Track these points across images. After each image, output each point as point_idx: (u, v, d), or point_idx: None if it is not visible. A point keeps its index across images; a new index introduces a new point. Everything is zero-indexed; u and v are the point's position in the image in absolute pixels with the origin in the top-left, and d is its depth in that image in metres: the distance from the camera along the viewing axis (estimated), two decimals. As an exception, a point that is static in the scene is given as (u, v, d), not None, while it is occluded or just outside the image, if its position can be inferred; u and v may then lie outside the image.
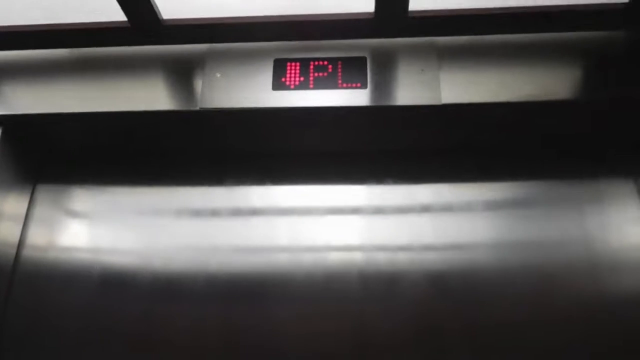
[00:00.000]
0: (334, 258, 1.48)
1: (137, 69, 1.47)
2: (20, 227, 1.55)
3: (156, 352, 1.43)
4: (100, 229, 1.58)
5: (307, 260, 1.48)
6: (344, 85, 1.39)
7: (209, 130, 1.50)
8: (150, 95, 1.44)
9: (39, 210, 1.58)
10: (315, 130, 1.50)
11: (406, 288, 1.42)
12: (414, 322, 1.39)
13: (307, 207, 1.55)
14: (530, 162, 1.54)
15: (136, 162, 1.62)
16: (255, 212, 1.56)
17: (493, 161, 1.55)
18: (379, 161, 1.56)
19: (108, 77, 1.46)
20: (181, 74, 1.48)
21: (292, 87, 1.41)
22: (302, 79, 1.41)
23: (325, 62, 1.42)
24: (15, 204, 1.54)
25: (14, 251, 1.52)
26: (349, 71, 1.41)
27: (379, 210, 1.52)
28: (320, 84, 1.40)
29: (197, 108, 1.40)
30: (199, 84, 1.43)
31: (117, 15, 1.38)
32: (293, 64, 1.43)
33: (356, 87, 1.39)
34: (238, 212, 1.56)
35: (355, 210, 1.54)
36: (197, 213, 1.57)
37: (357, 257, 1.48)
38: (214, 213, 1.56)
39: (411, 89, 1.37)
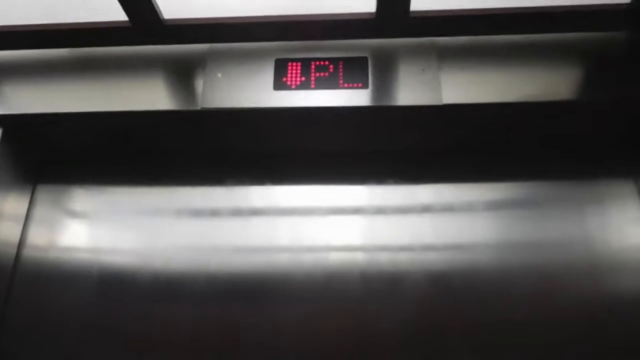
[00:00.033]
0: (335, 258, 1.48)
1: (138, 68, 1.47)
2: (21, 227, 1.55)
3: (156, 351, 1.42)
4: (100, 229, 1.57)
5: (308, 260, 1.48)
6: (345, 85, 1.39)
7: (209, 130, 1.50)
8: (151, 95, 1.44)
9: (39, 211, 1.58)
10: (316, 130, 1.50)
11: (407, 288, 1.42)
12: (415, 322, 1.39)
13: (307, 207, 1.55)
14: (530, 163, 1.54)
15: (136, 162, 1.62)
16: (255, 212, 1.56)
17: (494, 161, 1.55)
18: (380, 161, 1.56)
19: (109, 77, 1.46)
20: (182, 73, 1.48)
21: (293, 87, 1.41)
22: (303, 79, 1.41)
23: (327, 62, 1.43)
24: (15, 204, 1.54)
25: (14, 251, 1.52)
26: (350, 71, 1.41)
27: (379, 211, 1.53)
28: (321, 84, 1.40)
29: (198, 108, 1.40)
30: (200, 84, 1.43)
31: (118, 15, 1.37)
32: (294, 64, 1.43)
33: (357, 87, 1.39)
34: (238, 212, 1.56)
35: (356, 211, 1.54)
36: (198, 213, 1.57)
37: (358, 257, 1.47)
38: (215, 213, 1.56)
39: (412, 89, 1.37)
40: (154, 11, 1.36)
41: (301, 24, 1.42)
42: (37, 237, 1.55)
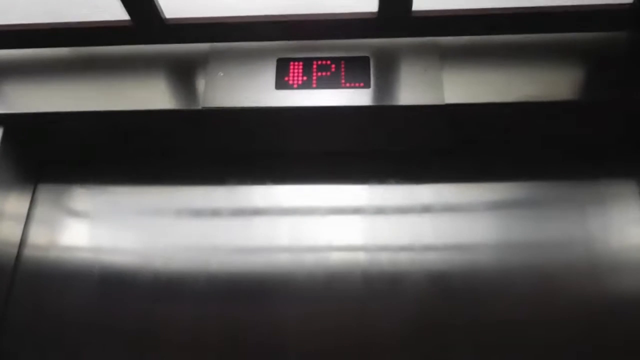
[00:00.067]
0: (336, 258, 1.48)
1: (139, 68, 1.47)
2: (22, 226, 1.54)
3: (157, 351, 1.42)
4: (101, 228, 1.57)
5: (309, 260, 1.48)
6: (347, 84, 1.39)
7: (211, 129, 1.50)
8: (152, 95, 1.43)
9: (40, 210, 1.58)
10: (317, 130, 1.49)
11: (408, 288, 1.42)
12: (416, 322, 1.39)
13: (308, 207, 1.55)
14: (532, 163, 1.54)
15: (138, 162, 1.61)
16: (256, 212, 1.55)
17: (495, 161, 1.55)
18: (381, 161, 1.56)
19: (110, 76, 1.46)
20: (184, 73, 1.48)
21: (295, 86, 1.40)
22: (305, 78, 1.41)
23: (328, 62, 1.42)
24: (16, 203, 1.53)
25: (15, 250, 1.51)
26: (352, 71, 1.41)
27: (380, 210, 1.52)
28: (323, 84, 1.40)
29: (200, 107, 1.40)
30: (201, 83, 1.43)
31: (120, 14, 1.37)
32: (296, 63, 1.43)
33: (359, 87, 1.39)
34: (239, 212, 1.56)
35: (357, 210, 1.53)
36: (199, 213, 1.56)
37: (359, 257, 1.47)
38: (216, 213, 1.56)
39: (414, 89, 1.37)
40: (155, 10, 1.36)
41: (303, 24, 1.41)
42: (38, 236, 1.55)
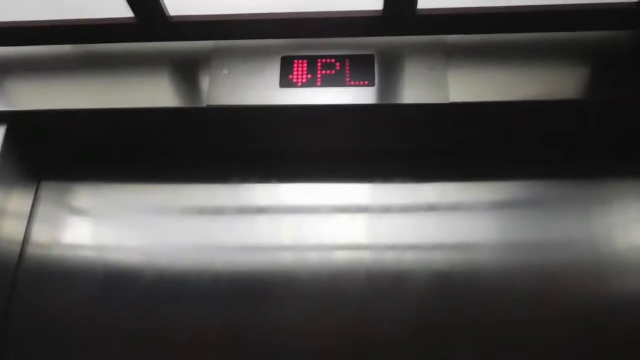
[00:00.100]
0: (340, 257, 1.47)
1: (143, 66, 1.46)
2: (25, 224, 1.54)
3: (160, 350, 1.42)
4: (104, 227, 1.57)
5: (313, 259, 1.47)
6: (352, 83, 1.39)
7: (215, 127, 1.50)
8: (156, 93, 1.43)
9: (44, 208, 1.57)
10: (322, 128, 1.49)
11: (413, 287, 1.42)
12: (421, 321, 1.39)
13: (313, 206, 1.55)
14: (537, 163, 1.53)
15: (142, 160, 1.61)
16: (261, 210, 1.55)
17: (500, 161, 1.54)
18: (386, 160, 1.56)
19: (114, 74, 1.46)
20: (188, 71, 1.47)
21: (299, 84, 1.40)
22: (309, 76, 1.40)
23: (333, 60, 1.42)
24: (19, 201, 1.53)
25: (18, 249, 1.51)
26: (357, 69, 1.40)
27: (385, 209, 1.52)
28: (328, 82, 1.39)
29: (204, 105, 1.40)
30: (205, 82, 1.42)
31: (124, 11, 1.37)
32: (301, 61, 1.42)
33: (364, 85, 1.38)
34: (244, 211, 1.55)
35: (361, 209, 1.53)
36: (203, 211, 1.56)
37: (363, 256, 1.47)
38: (220, 211, 1.55)
39: (419, 88, 1.37)
40: (159, 8, 1.35)
41: (308, 22, 1.40)
42: (41, 234, 1.54)
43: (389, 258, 1.46)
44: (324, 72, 1.41)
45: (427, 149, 1.55)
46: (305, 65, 1.42)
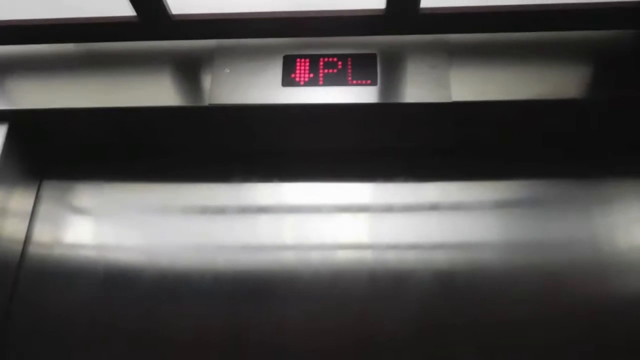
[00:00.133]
0: (342, 256, 1.47)
1: (145, 64, 1.46)
2: (26, 223, 1.54)
3: (161, 349, 1.41)
4: (106, 226, 1.56)
5: (315, 258, 1.47)
6: (354, 82, 1.39)
7: (217, 126, 1.49)
8: (158, 91, 1.43)
9: (45, 207, 1.57)
10: (324, 127, 1.49)
11: (415, 286, 1.41)
12: (423, 320, 1.39)
13: (314, 205, 1.54)
14: (539, 162, 1.53)
15: (143, 159, 1.61)
16: (262, 209, 1.55)
17: (502, 160, 1.54)
18: (388, 159, 1.55)
19: (116, 73, 1.45)
20: (190, 70, 1.47)
21: (301, 83, 1.40)
22: (311, 75, 1.40)
23: (335, 59, 1.42)
24: (21, 200, 1.53)
25: (20, 248, 1.51)
26: (359, 68, 1.40)
27: (387, 208, 1.52)
28: (330, 81, 1.39)
29: (206, 104, 1.40)
30: (207, 80, 1.42)
31: (126, 10, 1.37)
32: (303, 60, 1.42)
33: (366, 84, 1.38)
34: (245, 210, 1.55)
35: (363, 208, 1.53)
36: (204, 210, 1.56)
37: (365, 255, 1.47)
38: (221, 210, 1.55)
39: (421, 87, 1.37)
40: (162, 6, 1.35)
41: (310, 20, 1.41)
42: (43, 234, 1.54)
43: (391, 257, 1.46)
44: (326, 70, 1.41)
45: (428, 148, 1.55)
46: (308, 64, 1.42)
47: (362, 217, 1.52)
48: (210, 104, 1.39)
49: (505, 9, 1.36)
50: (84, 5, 1.40)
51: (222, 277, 1.46)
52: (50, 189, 1.59)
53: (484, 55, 1.40)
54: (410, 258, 1.45)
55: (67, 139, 1.57)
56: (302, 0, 1.39)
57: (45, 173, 1.61)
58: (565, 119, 1.44)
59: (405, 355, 1.37)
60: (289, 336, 1.40)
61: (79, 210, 1.59)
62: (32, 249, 1.52)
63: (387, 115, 1.42)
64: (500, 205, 1.52)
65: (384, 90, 1.37)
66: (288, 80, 1.40)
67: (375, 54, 1.42)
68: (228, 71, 1.42)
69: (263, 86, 1.40)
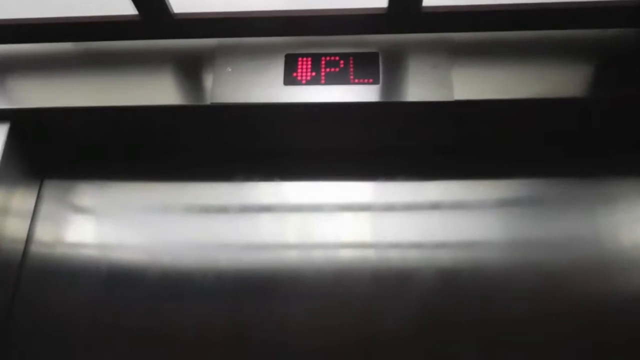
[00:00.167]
0: (344, 255, 1.47)
1: (146, 63, 1.46)
2: (28, 222, 1.53)
3: (164, 348, 1.41)
4: (108, 225, 1.56)
5: (317, 257, 1.47)
6: (356, 80, 1.39)
7: (218, 125, 1.49)
8: (160, 90, 1.42)
9: (47, 206, 1.57)
10: (326, 126, 1.49)
11: (417, 285, 1.41)
12: (425, 319, 1.39)
13: (317, 204, 1.54)
14: (541, 161, 1.53)
15: (145, 158, 1.60)
16: (264, 208, 1.55)
17: (505, 159, 1.54)
18: (390, 158, 1.55)
19: (117, 71, 1.45)
20: (191, 68, 1.46)
21: (303, 82, 1.40)
22: (313, 74, 1.40)
23: (337, 58, 1.41)
24: (22, 199, 1.52)
25: (21, 247, 1.50)
26: (361, 67, 1.40)
27: (389, 207, 1.52)
28: (332, 80, 1.39)
29: (208, 103, 1.39)
30: (209, 79, 1.42)
31: (127, 8, 1.36)
32: (304, 59, 1.42)
33: (368, 83, 1.38)
34: (247, 209, 1.55)
35: (365, 207, 1.53)
36: (206, 209, 1.55)
37: (368, 254, 1.47)
38: (223, 209, 1.55)
39: (423, 86, 1.37)
40: (163, 5, 1.35)
41: (312, 19, 1.40)
42: (45, 233, 1.54)
43: (393, 256, 1.46)
44: (328, 69, 1.40)
45: (430, 147, 1.55)
46: (309, 62, 1.41)
47: (365, 215, 1.52)
48: (212, 103, 1.39)
49: (508, 7, 1.36)
50: (85, 4, 1.40)
51: (225, 276, 1.46)
52: (52, 188, 1.59)
53: (486, 54, 1.40)
54: (412, 257, 1.46)
55: (69, 138, 1.56)
56: (304, -1, 1.39)
57: (47, 172, 1.60)
58: (567, 117, 1.44)
59: (407, 353, 1.37)
60: (292, 335, 1.40)
61: (80, 210, 1.59)
62: (34, 248, 1.52)
63: (389, 114, 1.42)
64: (502, 204, 1.52)
65: (386, 89, 1.37)
66: (290, 79, 1.40)
67: (377, 52, 1.41)
68: (230, 70, 1.42)
69: (265, 85, 1.39)
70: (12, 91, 1.47)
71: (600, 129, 1.50)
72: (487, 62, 1.40)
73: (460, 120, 1.45)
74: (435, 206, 1.51)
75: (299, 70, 1.41)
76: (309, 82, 1.39)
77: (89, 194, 1.59)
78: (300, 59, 1.42)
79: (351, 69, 1.40)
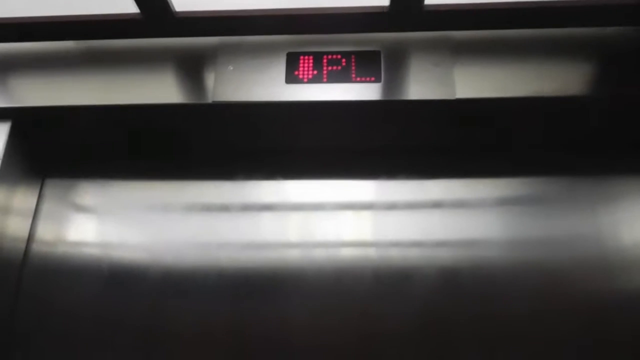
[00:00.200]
0: (346, 253, 1.48)
1: (148, 61, 1.46)
2: (30, 221, 1.53)
3: (166, 345, 1.42)
4: (109, 224, 1.56)
5: (319, 255, 1.47)
6: (358, 79, 1.39)
7: (220, 124, 1.49)
8: (161, 89, 1.42)
9: (48, 205, 1.57)
10: (327, 124, 1.49)
11: (418, 283, 1.42)
12: (426, 317, 1.39)
13: (318, 203, 1.55)
14: (542, 159, 1.53)
15: (147, 157, 1.61)
16: (266, 207, 1.55)
17: (506, 158, 1.55)
18: (392, 156, 1.56)
19: (119, 70, 1.45)
20: (193, 67, 1.46)
21: (305, 80, 1.40)
22: (315, 72, 1.40)
23: (339, 56, 1.42)
24: (24, 198, 1.52)
25: (23, 246, 1.50)
26: (363, 65, 1.40)
27: (391, 206, 1.52)
28: (333, 78, 1.39)
29: (210, 101, 1.39)
30: (211, 77, 1.42)
31: (129, 6, 1.36)
32: (306, 57, 1.42)
33: (370, 81, 1.38)
34: (249, 208, 1.55)
35: (366, 206, 1.53)
36: (208, 208, 1.56)
37: (369, 252, 1.47)
38: (225, 208, 1.55)
39: (425, 84, 1.37)
40: (165, 3, 1.35)
41: (313, 17, 1.41)
42: (46, 232, 1.54)
43: (394, 254, 1.46)
44: (329, 68, 1.40)
45: (432, 146, 1.55)
46: (311, 61, 1.41)
47: (366, 214, 1.52)
48: (213, 101, 1.39)
49: (509, 5, 1.36)
50: (87, 2, 1.40)
51: (227, 274, 1.46)
52: (53, 187, 1.59)
53: (487, 52, 1.40)
54: (413, 255, 1.46)
55: (70, 136, 1.56)
56: (306, -3, 1.39)
57: (48, 171, 1.61)
58: (568, 116, 1.44)
59: (408, 351, 1.38)
60: (293, 332, 1.40)
61: (82, 208, 1.59)
62: (36, 247, 1.52)
63: (391, 112, 1.42)
64: (503, 202, 1.52)
65: (388, 88, 1.37)
66: (292, 77, 1.40)
67: (379, 51, 1.41)
68: (231, 68, 1.42)
69: (267, 83, 1.40)
70: (13, 90, 1.47)
71: (601, 127, 1.50)
72: (489, 60, 1.40)
73: (462, 119, 1.45)
74: (436, 205, 1.52)
75: (301, 69, 1.41)
76: (310, 81, 1.39)
77: (90, 192, 1.60)
78: (302, 57, 1.42)
79: (353, 67, 1.40)
